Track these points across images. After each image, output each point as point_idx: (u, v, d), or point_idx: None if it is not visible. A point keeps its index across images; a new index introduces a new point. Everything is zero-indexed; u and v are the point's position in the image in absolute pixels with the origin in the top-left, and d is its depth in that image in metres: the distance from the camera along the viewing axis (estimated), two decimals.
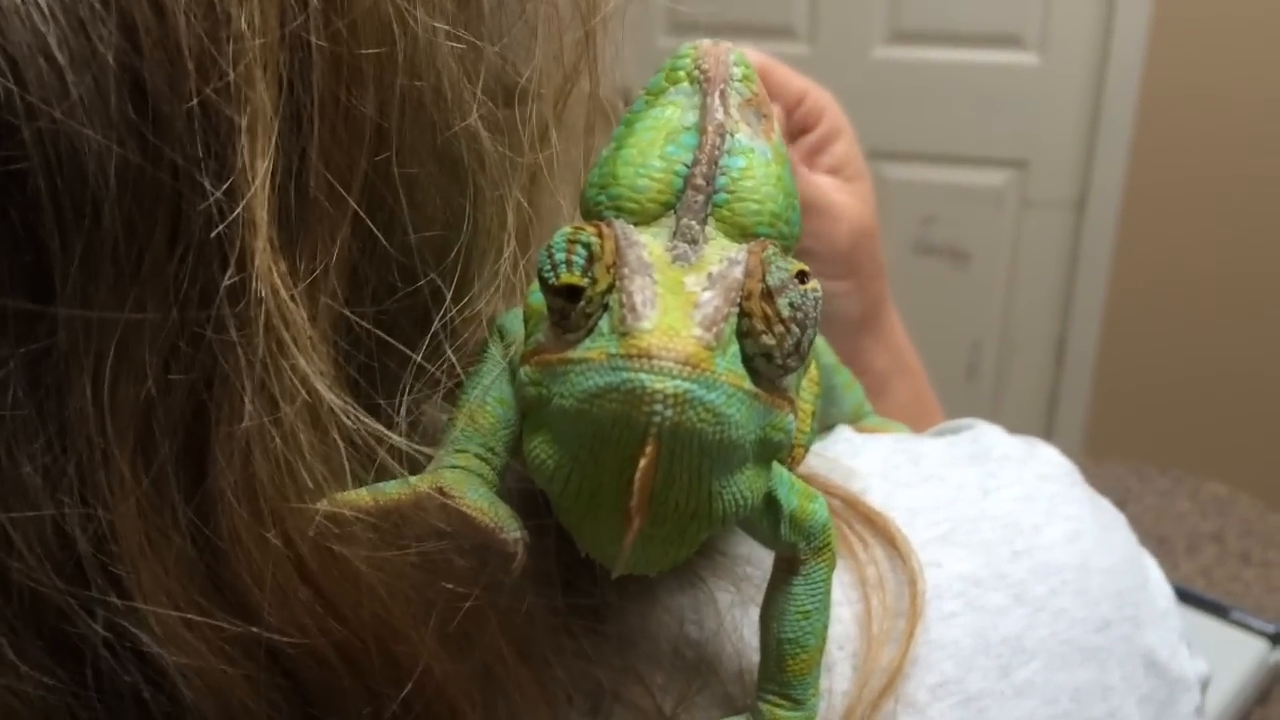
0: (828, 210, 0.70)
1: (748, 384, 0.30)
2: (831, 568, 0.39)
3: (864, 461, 0.48)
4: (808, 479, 0.45)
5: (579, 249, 0.31)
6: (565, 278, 0.31)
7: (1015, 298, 2.65)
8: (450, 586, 0.34)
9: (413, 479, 0.35)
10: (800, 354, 0.31)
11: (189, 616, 0.31)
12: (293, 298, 0.31)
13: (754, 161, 0.33)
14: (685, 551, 0.34)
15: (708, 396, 0.29)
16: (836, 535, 0.39)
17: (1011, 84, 2.48)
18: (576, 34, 0.40)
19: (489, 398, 0.37)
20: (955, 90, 2.51)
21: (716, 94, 0.34)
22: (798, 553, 0.38)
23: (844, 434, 0.51)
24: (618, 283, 0.30)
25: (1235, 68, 2.31)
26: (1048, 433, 2.54)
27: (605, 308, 0.31)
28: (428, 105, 0.35)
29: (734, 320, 0.30)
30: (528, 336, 0.34)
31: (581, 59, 0.41)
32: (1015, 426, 0.57)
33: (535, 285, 0.33)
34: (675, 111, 0.34)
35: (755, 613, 0.40)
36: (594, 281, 0.31)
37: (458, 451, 0.36)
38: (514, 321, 0.38)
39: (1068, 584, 0.44)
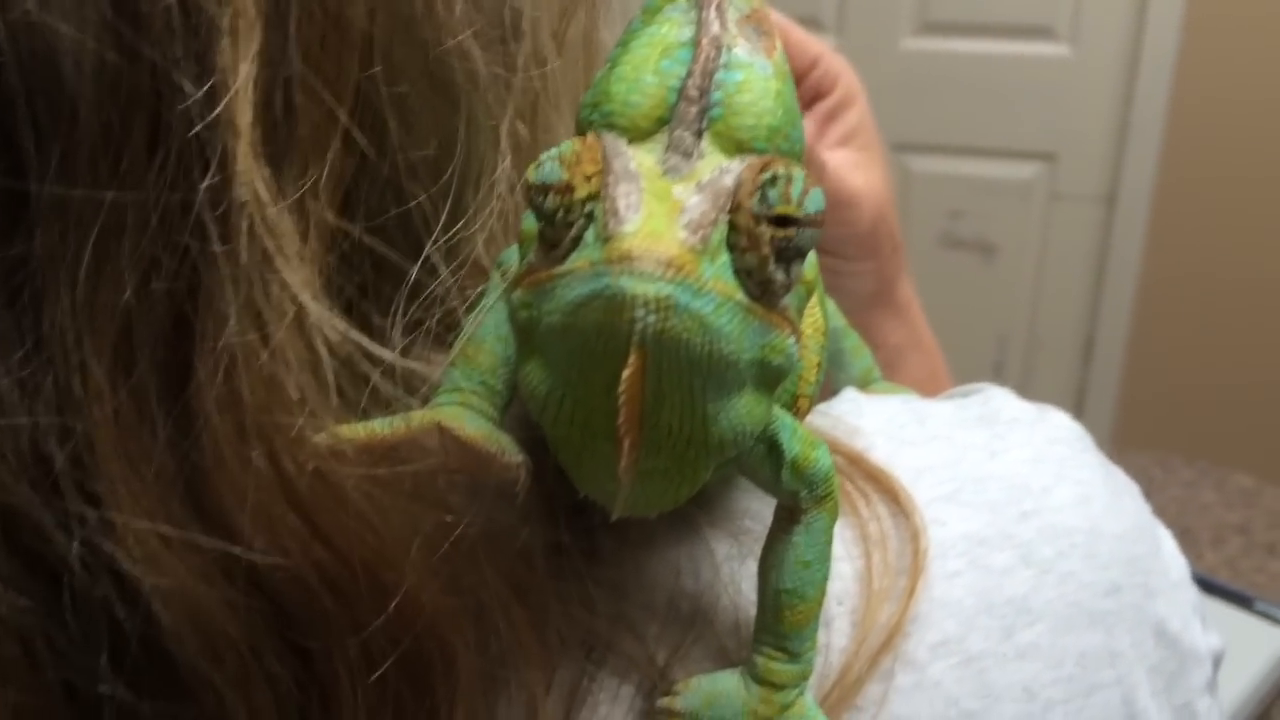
0: (850, 200, 0.69)
1: (739, 295, 0.29)
2: (834, 518, 0.38)
3: (868, 420, 0.47)
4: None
5: (568, 157, 0.30)
6: (551, 178, 0.30)
7: (1043, 292, 2.63)
8: (444, 518, 0.34)
9: (410, 414, 0.34)
10: (786, 280, 0.30)
11: (166, 532, 0.30)
12: (280, 209, 0.31)
13: (751, 76, 0.32)
14: (685, 489, 0.33)
15: (693, 303, 0.28)
16: (839, 482, 0.38)
17: (1042, 76, 2.46)
18: None
19: (487, 335, 0.36)
20: (984, 82, 2.50)
21: (713, 7, 0.33)
22: (799, 501, 0.37)
23: (849, 394, 0.50)
24: (602, 190, 0.29)
25: (1268, 64, 2.29)
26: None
27: (590, 218, 0.30)
28: (419, 20, 0.34)
29: (724, 229, 0.29)
30: (520, 261, 0.33)
31: None
32: None
33: (528, 211, 0.32)
34: (671, 28, 0.33)
35: (753, 566, 0.39)
36: (571, 188, 0.30)
37: (454, 390, 0.35)
38: (515, 256, 0.37)
39: (1076, 547, 0.44)
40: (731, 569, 0.41)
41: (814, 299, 0.41)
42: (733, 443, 0.31)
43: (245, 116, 0.30)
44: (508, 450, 0.34)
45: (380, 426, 0.34)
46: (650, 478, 0.32)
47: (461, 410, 0.35)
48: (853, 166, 0.71)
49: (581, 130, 0.33)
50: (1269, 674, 1.24)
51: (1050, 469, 0.46)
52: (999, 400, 0.49)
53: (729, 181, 0.30)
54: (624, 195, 0.29)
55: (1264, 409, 2.49)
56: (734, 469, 0.38)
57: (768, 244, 0.29)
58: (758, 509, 0.42)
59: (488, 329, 0.36)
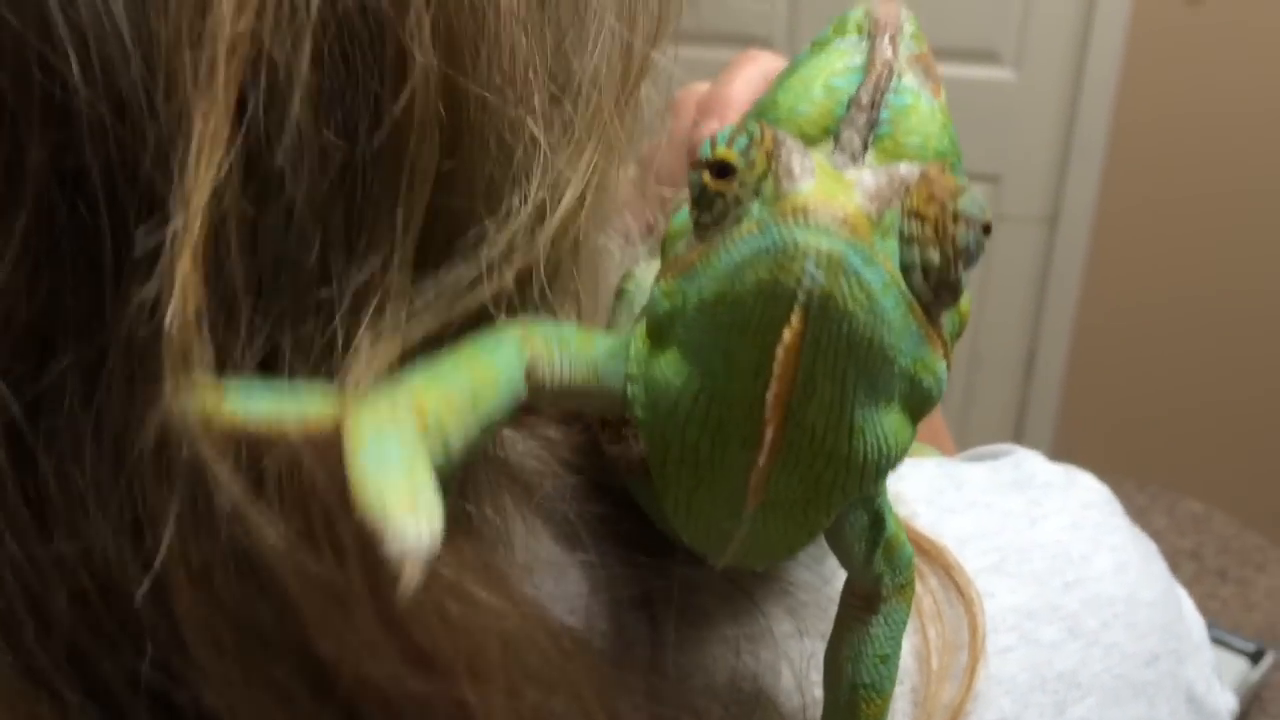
0: None
1: (904, 286, 0.27)
2: (909, 608, 0.37)
3: (908, 485, 0.47)
4: None
5: (741, 136, 0.29)
6: (721, 152, 0.28)
7: (985, 312, 2.66)
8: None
9: (321, 397, 0.27)
10: (956, 288, 0.29)
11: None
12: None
13: (919, 103, 0.32)
14: (804, 532, 0.31)
15: (864, 269, 0.26)
16: (916, 572, 0.37)
17: (987, 99, 2.49)
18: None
19: (497, 358, 0.30)
20: None
21: (886, 37, 0.32)
22: (880, 587, 0.36)
23: None
24: (773, 163, 0.28)
25: (1207, 90, 2.34)
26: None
27: (758, 194, 0.28)
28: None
29: (896, 215, 0.28)
30: (665, 255, 0.31)
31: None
32: (982, 440, 0.56)
33: (678, 211, 0.31)
34: (841, 56, 0.33)
35: (811, 644, 0.39)
36: (750, 165, 0.28)
37: (430, 385, 0.28)
38: (553, 326, 0.33)
39: (1119, 617, 0.44)
40: (791, 646, 0.40)
41: None
42: (875, 464, 0.29)
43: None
44: (403, 518, 0.23)
45: (266, 407, 0.26)
46: (773, 513, 0.30)
47: (389, 417, 0.26)
48: None
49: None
50: None
51: (1087, 536, 0.46)
52: (1030, 464, 0.49)
53: (904, 172, 0.29)
54: (798, 162, 0.27)
55: (1208, 433, 2.54)
56: (825, 536, 0.36)
57: (955, 244, 0.28)
58: (807, 579, 0.42)
59: (503, 354, 0.31)
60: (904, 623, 0.37)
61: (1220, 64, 2.32)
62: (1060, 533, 0.45)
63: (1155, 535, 1.51)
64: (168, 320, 0.25)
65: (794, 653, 0.40)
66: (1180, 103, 2.36)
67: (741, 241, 0.27)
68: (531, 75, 0.32)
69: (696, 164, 0.29)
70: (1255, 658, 1.33)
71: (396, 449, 0.25)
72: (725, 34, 2.39)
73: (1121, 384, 2.59)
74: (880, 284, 0.26)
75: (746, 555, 0.32)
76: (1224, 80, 2.32)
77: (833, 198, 0.26)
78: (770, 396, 0.27)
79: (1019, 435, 2.68)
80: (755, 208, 0.28)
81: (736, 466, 0.28)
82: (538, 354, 0.32)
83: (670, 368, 0.29)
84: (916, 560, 0.43)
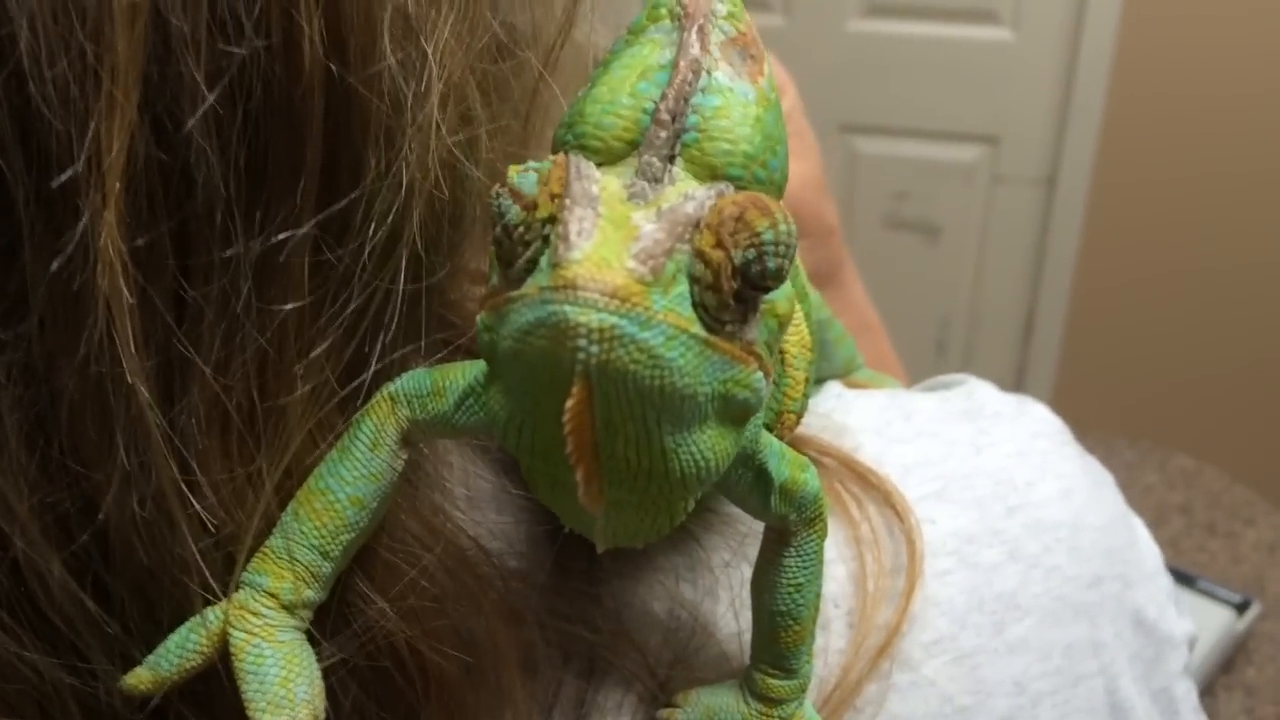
0: None
1: (695, 328, 0.28)
2: (823, 538, 0.38)
3: (856, 418, 0.47)
4: (800, 439, 0.45)
5: (529, 173, 0.29)
6: (517, 187, 0.29)
7: (985, 273, 2.66)
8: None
9: (209, 618, 0.34)
10: (742, 319, 0.29)
11: None
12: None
13: (730, 101, 0.31)
14: (663, 521, 0.32)
15: (640, 334, 0.26)
16: (828, 503, 0.38)
17: (985, 60, 2.48)
18: None
19: (341, 489, 0.34)
20: (929, 65, 2.52)
21: (694, 30, 0.32)
22: (788, 524, 0.37)
23: (835, 389, 0.50)
24: (557, 214, 0.28)
25: (1205, 50, 2.32)
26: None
27: (546, 240, 0.28)
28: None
29: (682, 259, 0.28)
30: (488, 282, 0.32)
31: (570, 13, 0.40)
32: None
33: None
34: (652, 50, 0.32)
35: (748, 570, 0.40)
36: (534, 205, 0.28)
37: (279, 560, 0.34)
38: (414, 383, 0.36)
39: (1061, 541, 0.45)
40: (729, 574, 0.41)
41: (800, 313, 0.41)
42: (696, 478, 0.30)
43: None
44: (291, 717, 0.33)
45: (168, 663, 0.34)
46: (622, 509, 0.31)
47: (265, 619, 0.34)
48: None
49: (556, 151, 0.32)
50: (1212, 652, 1.27)
51: (1034, 463, 0.47)
52: (982, 394, 0.50)
53: (691, 209, 0.28)
54: (577, 220, 0.27)
55: (1201, 391, 2.54)
56: (720, 493, 0.38)
57: (732, 292, 0.28)
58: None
59: (345, 480, 0.34)
60: (817, 553, 0.37)
61: (1219, 24, 2.30)
62: (1005, 460, 0.46)
63: (1146, 490, 1.52)
64: (99, 270, 0.29)
65: (732, 581, 0.41)
66: (1178, 63, 2.35)
67: (525, 306, 0.27)
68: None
69: (498, 195, 0.29)
70: (1241, 608, 1.34)
71: (272, 661, 0.33)
72: None
73: (1118, 343, 2.59)
74: (661, 340, 0.27)
75: (618, 539, 0.32)
76: (1222, 41, 2.31)
77: (604, 268, 0.26)
78: (569, 442, 0.27)
79: (1018, 393, 2.68)
80: (544, 260, 0.28)
81: (569, 483, 0.29)
82: (408, 422, 0.35)
83: (497, 400, 0.31)
84: (858, 491, 0.44)
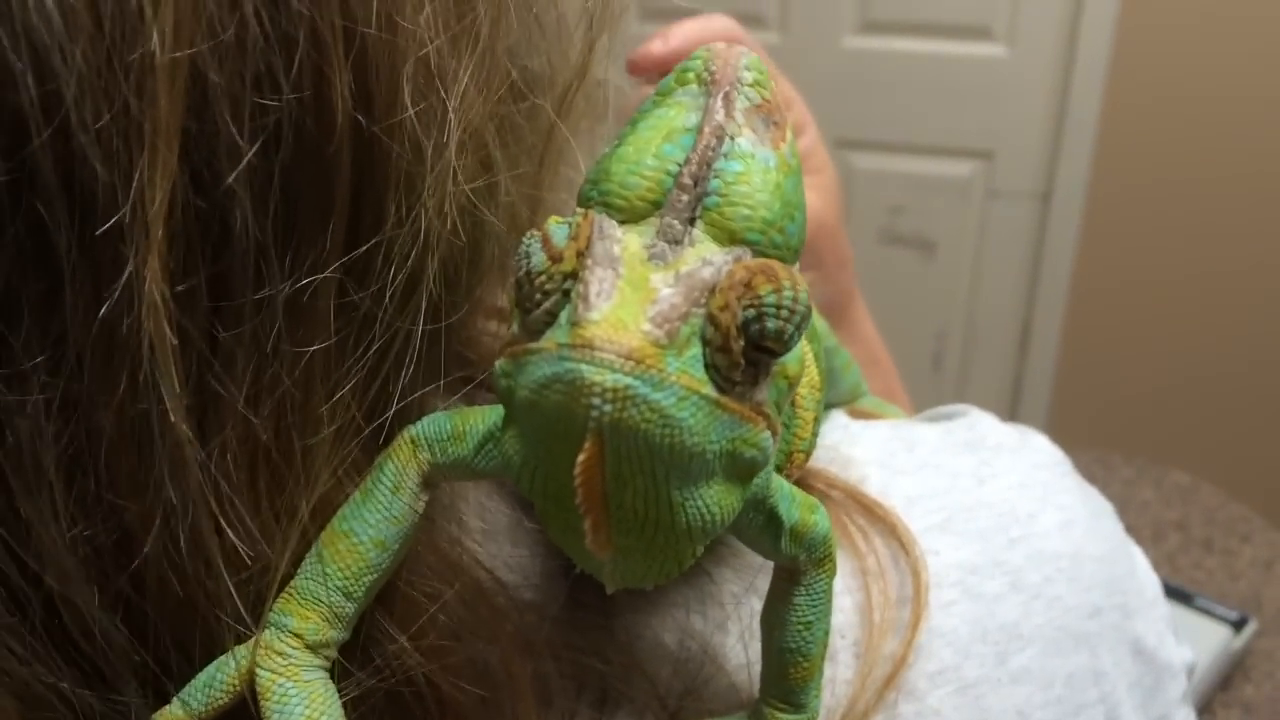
0: None
1: (707, 389, 0.29)
2: (832, 577, 0.38)
3: (861, 450, 0.48)
4: (808, 471, 0.45)
5: (563, 227, 0.30)
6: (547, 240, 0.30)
7: (980, 288, 2.67)
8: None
9: (237, 656, 0.35)
10: (753, 381, 0.30)
11: None
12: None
13: (751, 167, 0.32)
14: (671, 567, 0.33)
15: (652, 395, 0.27)
16: (837, 542, 0.39)
17: (980, 76, 2.49)
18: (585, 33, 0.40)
19: (364, 531, 0.35)
20: (924, 81, 2.53)
21: (720, 96, 0.33)
22: (799, 564, 0.38)
23: (841, 420, 0.51)
24: (579, 273, 0.29)
25: (1200, 66, 2.34)
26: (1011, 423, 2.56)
27: (568, 296, 0.29)
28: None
29: (697, 323, 0.29)
30: (509, 328, 0.33)
31: (588, 56, 0.41)
32: None
33: None
34: (678, 113, 0.33)
35: (757, 603, 0.40)
36: (560, 259, 0.30)
37: (304, 601, 0.35)
38: (434, 427, 0.36)
39: (1062, 571, 0.45)
40: (740, 607, 0.42)
41: (810, 353, 0.42)
42: (701, 531, 0.31)
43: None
44: None
45: (197, 701, 0.35)
46: (630, 555, 0.32)
47: (289, 659, 0.35)
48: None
49: (582, 204, 0.33)
50: (1209, 669, 1.28)
51: (1035, 494, 0.47)
52: (984, 425, 0.51)
53: (708, 275, 0.29)
54: (598, 280, 0.28)
55: (1197, 406, 2.55)
56: (732, 535, 0.38)
57: (741, 354, 0.29)
58: None
59: (368, 522, 0.36)
60: (826, 592, 0.38)
61: (1213, 40, 2.32)
62: (1007, 492, 0.47)
63: (1142, 507, 1.52)
64: (143, 313, 0.30)
65: (742, 614, 0.42)
66: (1172, 79, 2.36)
67: (544, 360, 0.28)
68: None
69: (533, 235, 0.30)
70: (1238, 626, 1.34)
71: (296, 700, 0.34)
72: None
73: (1114, 358, 2.60)
74: (673, 401, 0.28)
75: (627, 581, 0.33)
76: (1216, 57, 2.32)
77: (621, 330, 0.28)
78: (579, 493, 0.28)
79: (1014, 409, 2.69)
80: (564, 316, 0.29)
81: (579, 528, 0.30)
82: (429, 465, 0.36)
83: (512, 444, 0.32)
84: (864, 523, 0.44)
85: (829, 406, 0.54)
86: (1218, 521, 1.59)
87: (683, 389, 0.28)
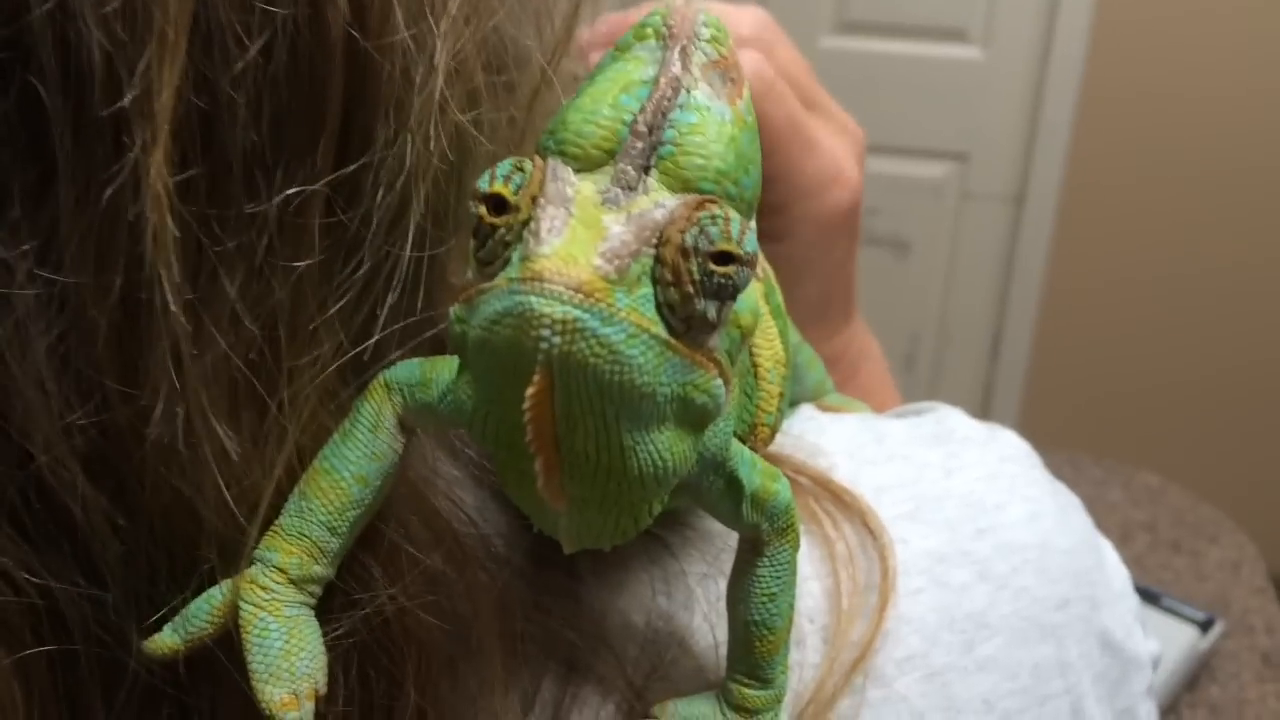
0: (838, 174, 0.69)
1: (657, 328, 0.29)
2: (795, 548, 0.38)
3: (829, 440, 0.48)
4: (775, 457, 0.45)
5: (517, 174, 0.30)
6: (497, 187, 0.30)
7: (953, 289, 2.68)
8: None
9: (223, 589, 0.35)
10: (715, 319, 0.30)
11: None
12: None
13: (707, 119, 0.32)
14: (628, 523, 0.33)
15: (601, 329, 0.27)
16: (800, 515, 0.39)
17: (955, 77, 2.51)
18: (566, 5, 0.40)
19: (346, 471, 0.36)
20: (900, 82, 2.54)
21: (677, 49, 0.33)
22: (760, 534, 0.38)
23: (808, 412, 0.51)
24: (532, 213, 0.29)
25: (1173, 70, 2.36)
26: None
27: (520, 239, 0.29)
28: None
29: (647, 262, 0.29)
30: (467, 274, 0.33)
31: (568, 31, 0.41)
32: None
33: None
34: (636, 66, 0.33)
35: (724, 584, 0.40)
36: (517, 208, 0.29)
37: (289, 536, 0.35)
38: (405, 372, 0.37)
39: (1029, 562, 0.45)
40: (706, 588, 0.41)
41: (774, 329, 0.42)
42: (654, 478, 0.31)
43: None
44: (279, 686, 0.34)
45: (184, 631, 0.35)
46: (585, 507, 0.32)
47: (273, 594, 0.35)
48: (844, 151, 0.71)
49: (539, 156, 0.33)
50: (1176, 670, 1.28)
51: (1003, 486, 0.47)
52: (952, 420, 0.51)
53: (659, 216, 0.29)
54: (549, 219, 0.29)
55: (1167, 408, 2.57)
56: (693, 502, 0.38)
57: (691, 280, 0.29)
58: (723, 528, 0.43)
59: (349, 459, 0.36)
60: (789, 563, 0.38)
61: (1187, 44, 2.34)
62: (975, 483, 0.47)
63: (1111, 508, 1.53)
64: (146, 204, 0.30)
65: (708, 593, 0.41)
66: (1146, 82, 2.38)
67: (494, 296, 0.28)
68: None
69: (475, 196, 0.30)
70: (1205, 626, 1.35)
71: (276, 634, 0.34)
72: None
73: (1085, 360, 2.62)
74: (622, 338, 0.28)
75: (583, 540, 0.33)
76: (1190, 60, 2.34)
77: (570, 264, 0.28)
78: (529, 430, 0.29)
79: (985, 410, 2.70)
80: (514, 257, 0.29)
81: (531, 475, 0.30)
82: (401, 409, 0.36)
83: (465, 389, 0.32)
84: (833, 509, 0.44)
85: (793, 404, 0.54)
86: (1186, 523, 1.60)
87: (632, 325, 0.28)
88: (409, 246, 0.36)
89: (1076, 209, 2.51)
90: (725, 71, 0.34)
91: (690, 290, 0.29)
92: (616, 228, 0.29)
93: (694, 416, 0.31)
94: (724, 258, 0.29)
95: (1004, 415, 2.68)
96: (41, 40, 0.29)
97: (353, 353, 0.36)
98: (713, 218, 0.29)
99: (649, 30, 0.34)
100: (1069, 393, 2.65)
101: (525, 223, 0.29)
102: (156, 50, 0.29)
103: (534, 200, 0.29)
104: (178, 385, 0.32)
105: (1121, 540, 1.55)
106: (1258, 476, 2.51)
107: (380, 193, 0.35)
